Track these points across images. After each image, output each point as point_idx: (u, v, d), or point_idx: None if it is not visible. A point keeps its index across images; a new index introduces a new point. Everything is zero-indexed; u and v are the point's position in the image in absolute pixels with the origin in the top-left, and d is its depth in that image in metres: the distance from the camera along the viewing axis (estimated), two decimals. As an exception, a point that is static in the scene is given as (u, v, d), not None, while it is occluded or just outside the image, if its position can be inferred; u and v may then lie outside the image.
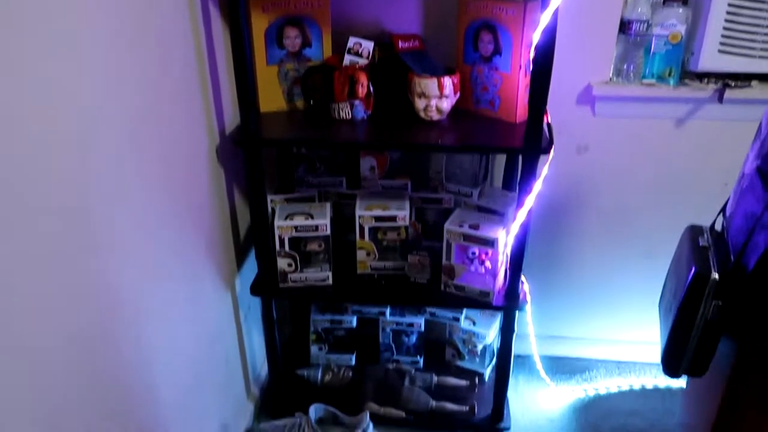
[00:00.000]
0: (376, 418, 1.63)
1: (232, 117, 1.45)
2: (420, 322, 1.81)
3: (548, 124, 1.33)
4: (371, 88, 1.42)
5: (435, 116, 1.39)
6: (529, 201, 1.33)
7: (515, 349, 1.61)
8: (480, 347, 1.81)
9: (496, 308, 1.49)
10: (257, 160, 1.37)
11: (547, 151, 1.27)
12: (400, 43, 1.44)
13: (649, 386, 1.84)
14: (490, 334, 1.78)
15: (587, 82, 1.57)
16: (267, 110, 1.46)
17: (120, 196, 0.96)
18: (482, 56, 1.41)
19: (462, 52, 1.45)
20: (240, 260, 1.58)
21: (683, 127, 1.60)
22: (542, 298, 1.80)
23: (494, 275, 1.44)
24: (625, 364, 1.92)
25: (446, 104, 1.38)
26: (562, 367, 1.91)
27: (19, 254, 0.72)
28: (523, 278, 1.49)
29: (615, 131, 1.62)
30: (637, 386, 1.84)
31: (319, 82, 1.44)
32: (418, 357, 1.86)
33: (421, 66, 1.41)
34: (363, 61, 1.43)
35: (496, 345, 1.79)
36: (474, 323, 1.81)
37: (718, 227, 1.02)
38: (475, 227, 1.42)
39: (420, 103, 1.38)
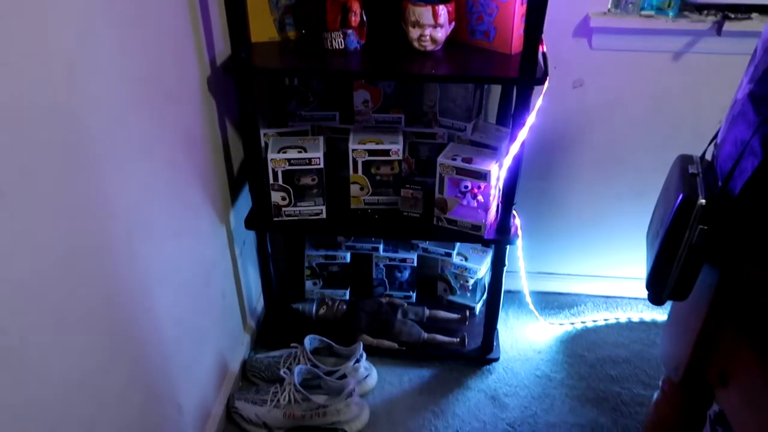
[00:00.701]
0: (369, 349, 1.67)
1: (223, 47, 1.42)
2: (413, 257, 1.84)
3: (543, 54, 1.31)
4: (364, 17, 1.38)
5: (429, 46, 1.36)
6: (523, 133, 1.32)
7: (506, 285, 1.64)
8: (471, 282, 1.84)
9: (488, 242, 1.51)
10: (249, 90, 1.35)
11: (541, 82, 1.25)
12: (394, -29, 1.40)
13: (635, 320, 1.89)
14: (481, 269, 1.81)
15: (585, 14, 1.54)
16: (258, 40, 1.43)
17: (110, 120, 0.95)
18: (478, -16, 1.37)
19: (457, -20, 1.41)
20: (234, 194, 1.58)
21: (680, 61, 1.58)
22: (533, 235, 1.82)
23: (486, 209, 1.45)
24: (613, 299, 1.97)
25: (441, 34, 1.35)
26: (551, 302, 1.96)
27: (12, 170, 0.72)
28: (514, 213, 1.50)
29: (611, 65, 1.60)
30: (623, 320, 1.89)
31: (312, 10, 1.40)
32: (411, 292, 1.90)
33: (415, -6, 1.37)
34: (356, -11, 1.39)
35: (487, 280, 1.82)
36: (466, 259, 1.83)
37: (708, 157, 1.03)
38: (468, 161, 1.42)
39: (414, 33, 1.35)
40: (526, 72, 1.24)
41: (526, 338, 1.83)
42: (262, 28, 1.43)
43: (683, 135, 1.66)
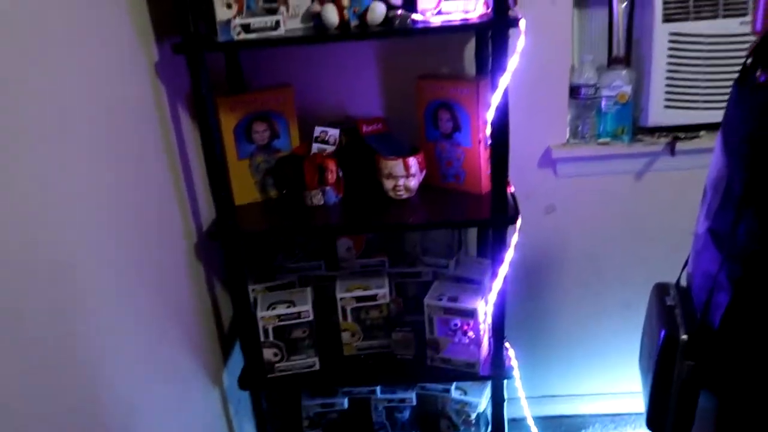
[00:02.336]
0: (376, 503, 1.59)
1: (207, 212, 1.48)
2: (411, 396, 1.79)
3: (512, 194, 1.38)
4: (340, 173, 1.46)
5: (404, 195, 1.43)
6: (503, 270, 1.36)
7: (509, 413, 1.60)
8: (474, 416, 1.79)
9: (484, 378, 1.49)
10: (236, 253, 1.39)
11: (513, 221, 1.31)
12: (364, 127, 1.50)
13: (647, 437, 1.83)
14: (482, 402, 1.77)
15: (546, 146, 1.64)
16: (242, 203, 1.49)
17: (107, 309, 0.97)
18: (443, 133, 1.47)
19: (423, 130, 1.51)
20: (226, 354, 1.57)
21: (642, 180, 1.67)
22: (529, 360, 1.80)
23: (478, 344, 1.45)
24: (620, 416, 1.92)
25: (414, 182, 1.43)
26: (557, 427, 1.90)
27: (12, 360, 0.74)
28: (507, 344, 1.50)
29: (578, 190, 1.69)
30: (633, 438, 1.83)
31: (290, 172, 1.48)
32: (414, 432, 1.83)
33: (386, 147, 1.47)
34: (330, 148, 1.48)
35: (489, 412, 1.77)
36: (465, 392, 1.79)
37: (683, 282, 1.06)
38: (454, 299, 1.44)
39: (388, 184, 1.43)
40: (498, 214, 1.30)
41: (537, 470, 1.75)
42: (245, 191, 1.50)
43: (657, 247, 1.71)
